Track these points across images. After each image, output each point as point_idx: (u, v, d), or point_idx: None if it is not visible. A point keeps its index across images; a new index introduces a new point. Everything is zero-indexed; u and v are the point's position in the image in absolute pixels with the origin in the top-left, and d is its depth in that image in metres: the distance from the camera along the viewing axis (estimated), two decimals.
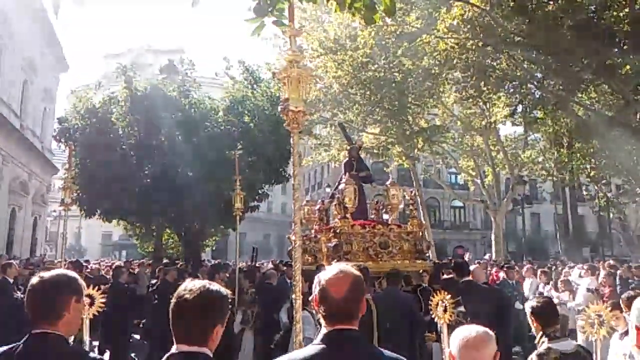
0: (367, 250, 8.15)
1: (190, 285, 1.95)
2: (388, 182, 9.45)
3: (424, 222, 9.35)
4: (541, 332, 3.45)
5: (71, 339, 2.25)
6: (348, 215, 8.35)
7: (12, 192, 22.74)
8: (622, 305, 4.49)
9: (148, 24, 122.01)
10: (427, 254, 8.87)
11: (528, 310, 3.59)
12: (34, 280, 2.13)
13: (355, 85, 18.73)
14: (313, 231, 9.59)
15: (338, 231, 8.18)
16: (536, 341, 3.49)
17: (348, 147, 10.81)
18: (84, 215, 16.10)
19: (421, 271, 8.14)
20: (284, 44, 20.28)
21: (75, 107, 15.71)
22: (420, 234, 8.78)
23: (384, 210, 9.68)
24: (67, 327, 2.10)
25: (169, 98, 15.22)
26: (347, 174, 9.38)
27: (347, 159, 10.27)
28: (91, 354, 2.19)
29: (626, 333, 3.83)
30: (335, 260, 7.23)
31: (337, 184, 10.21)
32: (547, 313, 3.50)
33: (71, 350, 2.15)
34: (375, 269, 7.35)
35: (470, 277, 6.38)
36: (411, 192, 9.74)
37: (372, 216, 9.61)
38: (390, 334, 5.45)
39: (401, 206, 9.21)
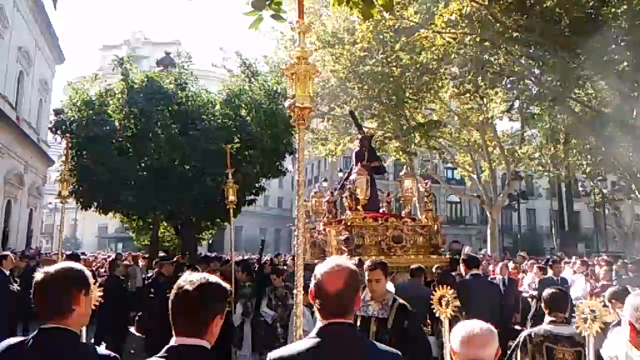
0: (379, 244, 7.79)
1: (190, 277, 1.94)
2: (402, 173, 9.07)
3: (439, 216, 9.06)
4: (547, 316, 3.83)
5: None
6: (360, 207, 7.99)
7: (8, 184, 22.67)
8: (605, 299, 4.53)
9: (145, 15, 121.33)
10: (442, 249, 8.49)
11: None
12: (39, 275, 2.03)
13: (353, 79, 18.69)
14: (322, 224, 9.23)
15: (349, 224, 7.79)
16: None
17: (359, 136, 10.22)
18: (80, 208, 16.03)
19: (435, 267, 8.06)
20: (282, 37, 20.25)
21: (71, 98, 15.58)
22: (436, 228, 8.38)
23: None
24: (77, 321, 2.04)
25: (166, 91, 15.14)
26: (358, 164, 8.98)
27: (358, 148, 9.72)
28: (101, 350, 2.11)
29: (617, 324, 3.91)
30: (346, 254, 6.92)
31: (347, 174, 9.85)
32: (555, 300, 3.89)
33: (83, 346, 2.10)
34: (388, 263, 7.28)
35: (479, 271, 6.50)
36: (426, 183, 9.15)
37: (384, 209, 9.29)
38: None
39: (415, 199, 8.87)
